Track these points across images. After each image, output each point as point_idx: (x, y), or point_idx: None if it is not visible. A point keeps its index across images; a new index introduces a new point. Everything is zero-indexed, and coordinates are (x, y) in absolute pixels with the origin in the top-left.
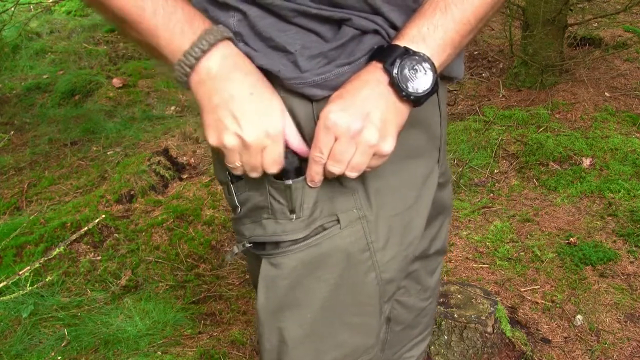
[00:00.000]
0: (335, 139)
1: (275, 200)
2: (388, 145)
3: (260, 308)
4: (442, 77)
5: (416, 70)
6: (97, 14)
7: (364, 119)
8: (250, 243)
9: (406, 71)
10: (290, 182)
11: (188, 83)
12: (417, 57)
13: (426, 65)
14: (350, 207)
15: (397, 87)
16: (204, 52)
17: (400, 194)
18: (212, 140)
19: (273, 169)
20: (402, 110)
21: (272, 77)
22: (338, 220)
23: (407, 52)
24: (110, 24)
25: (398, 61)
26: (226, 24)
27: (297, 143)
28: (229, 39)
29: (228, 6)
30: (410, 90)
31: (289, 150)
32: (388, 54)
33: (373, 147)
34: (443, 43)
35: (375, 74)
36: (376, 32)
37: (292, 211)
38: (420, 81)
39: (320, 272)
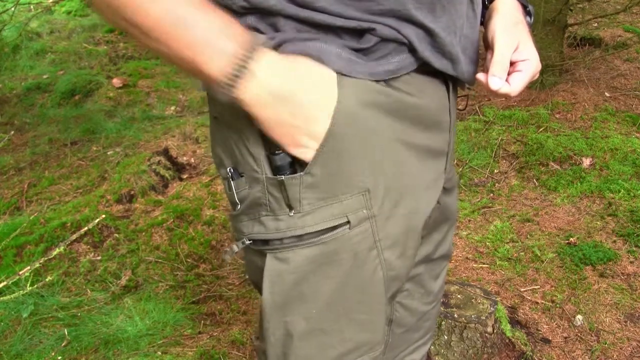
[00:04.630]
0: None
1: (273, 197)
2: None
3: (265, 302)
4: (455, 81)
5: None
6: (101, 15)
7: None
8: (250, 240)
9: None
10: (283, 177)
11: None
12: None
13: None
14: (360, 208)
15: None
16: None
17: (411, 194)
18: None
19: None
20: None
21: None
22: (348, 221)
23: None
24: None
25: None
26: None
27: None
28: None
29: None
30: None
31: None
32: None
33: None
34: None
35: (523, 19)
36: (399, 42)
37: (289, 207)
38: None
39: (326, 269)
